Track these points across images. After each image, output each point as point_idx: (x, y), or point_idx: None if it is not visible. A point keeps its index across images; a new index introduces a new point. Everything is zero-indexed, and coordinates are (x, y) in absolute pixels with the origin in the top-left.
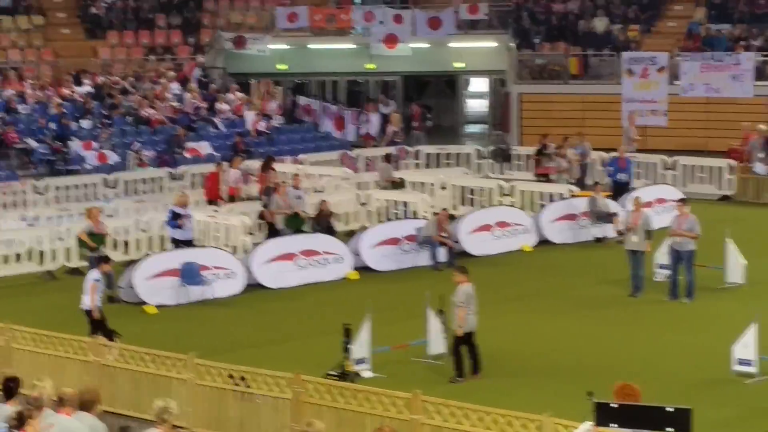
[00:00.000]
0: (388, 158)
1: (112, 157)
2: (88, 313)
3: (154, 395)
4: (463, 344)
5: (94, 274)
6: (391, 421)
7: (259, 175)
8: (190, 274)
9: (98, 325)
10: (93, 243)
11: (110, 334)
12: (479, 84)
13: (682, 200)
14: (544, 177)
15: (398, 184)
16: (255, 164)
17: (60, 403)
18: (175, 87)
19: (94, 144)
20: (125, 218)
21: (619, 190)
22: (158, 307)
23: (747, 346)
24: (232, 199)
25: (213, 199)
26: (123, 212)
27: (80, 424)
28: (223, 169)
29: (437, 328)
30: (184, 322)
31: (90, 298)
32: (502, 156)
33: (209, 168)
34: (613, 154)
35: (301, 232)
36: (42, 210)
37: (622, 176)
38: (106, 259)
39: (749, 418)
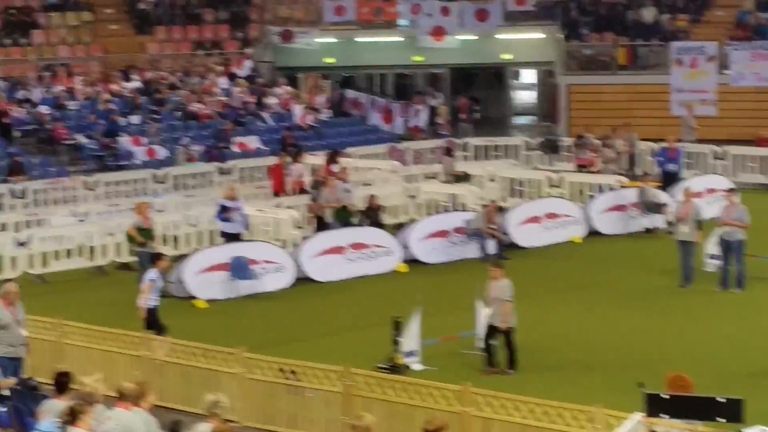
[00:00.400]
0: (449, 151)
1: (161, 153)
2: (146, 311)
3: (204, 389)
4: (501, 338)
5: (150, 274)
6: (441, 413)
7: (326, 169)
8: (239, 269)
9: (150, 325)
10: (141, 238)
11: (161, 333)
12: (527, 75)
13: (731, 190)
14: (583, 168)
15: (462, 177)
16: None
17: (120, 397)
18: (223, 82)
19: (143, 139)
20: (174, 213)
21: (669, 180)
22: (208, 301)
23: None
24: (299, 192)
25: (278, 192)
26: (172, 207)
27: (137, 418)
28: (287, 163)
29: (487, 320)
30: (234, 316)
31: (142, 295)
32: (551, 147)
33: (258, 161)
34: (663, 144)
35: (350, 225)
36: (92, 206)
37: (671, 166)
38: (160, 256)
39: None
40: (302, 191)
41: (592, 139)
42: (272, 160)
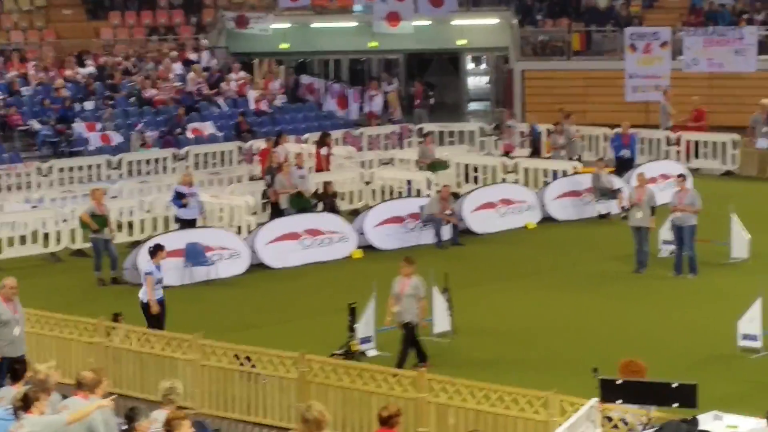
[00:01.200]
0: (426, 137)
1: (116, 138)
2: (144, 306)
3: (159, 376)
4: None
5: (147, 266)
6: (396, 399)
7: (317, 153)
8: (194, 255)
9: (155, 319)
10: (95, 224)
11: (162, 328)
12: (482, 61)
13: (681, 175)
14: (506, 154)
15: (440, 164)
16: (258, 143)
17: (79, 386)
18: (178, 67)
19: (98, 125)
20: (129, 199)
21: (623, 166)
22: (163, 287)
23: (752, 320)
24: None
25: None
26: (127, 193)
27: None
28: (272, 146)
29: (442, 306)
30: (189, 302)
31: (147, 291)
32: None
33: (213, 147)
34: (617, 130)
35: (305, 211)
36: (46, 192)
37: (625, 152)
38: (160, 247)
39: (754, 393)
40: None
41: (514, 124)
42: (228, 146)
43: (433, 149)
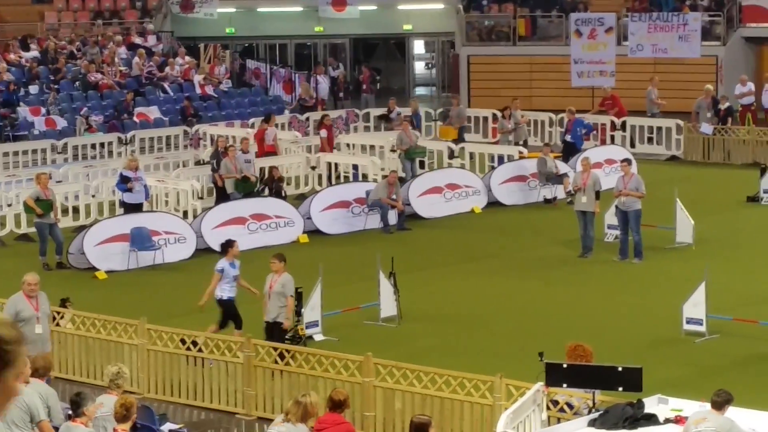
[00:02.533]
0: (412, 123)
1: (61, 123)
2: (220, 302)
3: (105, 361)
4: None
5: (219, 264)
6: (343, 384)
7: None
8: (140, 240)
9: (228, 316)
10: (39, 209)
11: (240, 323)
12: (428, 46)
13: (626, 160)
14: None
15: (417, 151)
16: (205, 128)
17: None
18: (123, 51)
19: (42, 109)
20: (74, 184)
21: (568, 151)
22: (108, 272)
23: (696, 305)
24: (270, 155)
25: (261, 156)
26: (72, 177)
27: (30, 390)
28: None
29: (388, 290)
30: (135, 287)
31: (217, 288)
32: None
33: (158, 132)
34: (561, 115)
35: (251, 196)
36: None
37: (569, 137)
38: (231, 243)
39: (699, 376)
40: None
41: (397, 112)
42: (174, 131)
43: (410, 134)
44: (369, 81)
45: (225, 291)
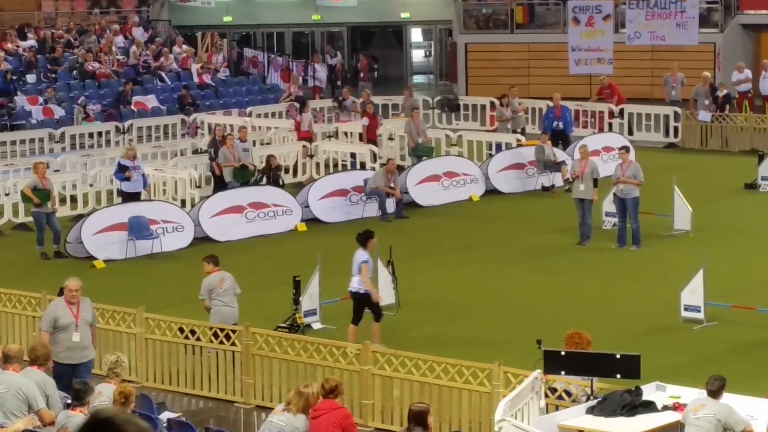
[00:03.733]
0: (414, 113)
1: (58, 112)
2: (355, 294)
3: (103, 350)
4: None
5: (362, 255)
6: (341, 372)
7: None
8: (138, 228)
9: (363, 308)
10: (37, 198)
11: (379, 314)
12: (426, 34)
13: (624, 148)
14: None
15: (424, 150)
16: (202, 116)
17: (6, 359)
18: (120, 40)
19: (40, 99)
20: (72, 173)
21: (557, 138)
22: (106, 261)
23: (694, 292)
24: (307, 141)
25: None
26: (70, 167)
27: (27, 380)
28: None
29: (386, 279)
30: (133, 276)
31: (362, 280)
32: (449, 106)
33: (156, 121)
34: (549, 103)
35: (249, 184)
36: None
37: (558, 124)
38: (371, 234)
39: (696, 363)
40: (310, 141)
41: (353, 100)
42: (172, 119)
43: (420, 125)
44: (366, 69)
45: (362, 284)
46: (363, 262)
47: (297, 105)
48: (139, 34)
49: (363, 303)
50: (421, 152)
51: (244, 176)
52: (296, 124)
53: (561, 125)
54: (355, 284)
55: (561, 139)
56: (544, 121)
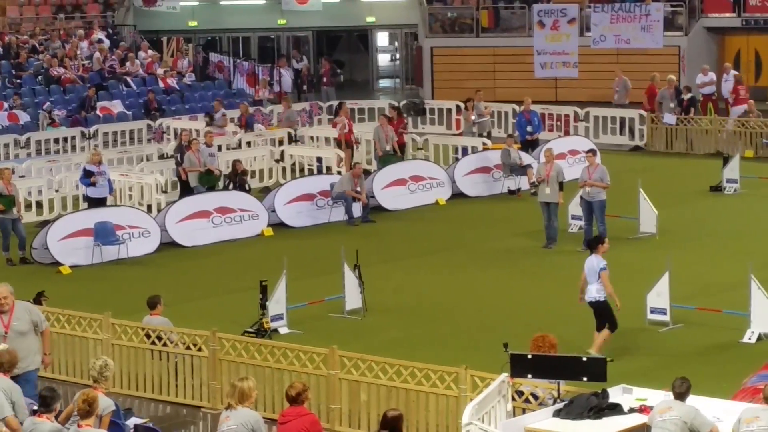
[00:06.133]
0: (389, 120)
1: (23, 117)
2: (594, 303)
3: (70, 356)
4: None
5: (600, 261)
6: (308, 377)
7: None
8: (104, 234)
9: (608, 315)
10: (2, 204)
11: (615, 324)
12: (392, 38)
13: (591, 151)
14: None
15: (389, 158)
16: (168, 121)
17: None
18: (85, 46)
19: (5, 104)
20: (37, 178)
21: (527, 142)
22: (72, 267)
23: (660, 295)
24: (343, 145)
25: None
26: (35, 172)
27: None
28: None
29: (353, 283)
30: (99, 282)
31: (605, 286)
32: (415, 110)
33: (122, 126)
34: (516, 107)
35: (215, 189)
36: None
37: (528, 128)
38: (602, 240)
39: (662, 366)
40: (347, 144)
41: (223, 113)
42: (138, 124)
43: (389, 132)
44: (330, 74)
45: (601, 292)
46: (602, 269)
47: (262, 109)
48: (104, 39)
49: (602, 311)
50: (387, 162)
51: (210, 181)
52: (334, 127)
53: (530, 128)
54: (594, 293)
55: (531, 144)
56: (517, 127)
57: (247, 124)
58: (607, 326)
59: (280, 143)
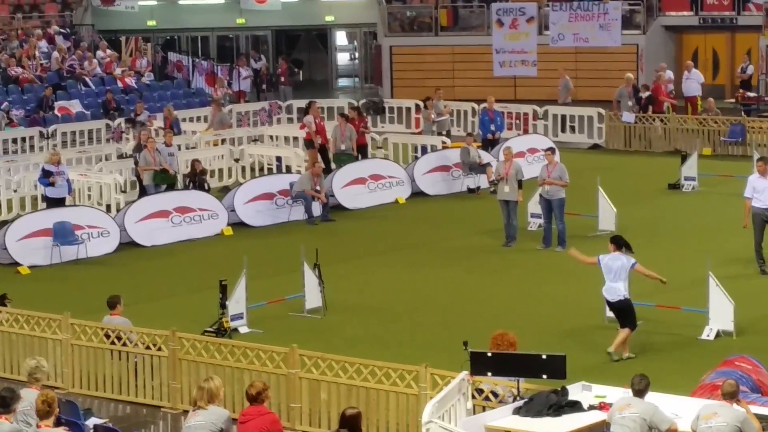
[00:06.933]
0: (349, 120)
1: None
2: (625, 302)
3: (29, 356)
4: None
5: (630, 260)
6: (268, 376)
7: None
8: (63, 234)
9: (632, 314)
10: None
11: (635, 324)
12: (351, 37)
13: (550, 149)
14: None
15: (343, 158)
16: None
17: None
18: (44, 45)
19: None
20: None
21: (488, 140)
22: (31, 267)
23: None
24: (310, 144)
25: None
26: None
27: None
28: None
29: (313, 282)
30: (58, 282)
31: (649, 273)
32: (375, 109)
33: (80, 126)
34: (483, 105)
35: (174, 188)
36: None
37: (491, 127)
38: (624, 243)
39: (621, 363)
40: (314, 144)
41: (147, 115)
42: (96, 124)
43: (346, 131)
44: (287, 73)
45: (625, 290)
46: (634, 265)
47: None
48: (61, 39)
49: (627, 310)
50: (341, 161)
51: (164, 180)
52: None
53: (493, 127)
54: (622, 291)
55: (492, 143)
56: (480, 125)
57: (172, 128)
58: (628, 326)
59: (239, 143)
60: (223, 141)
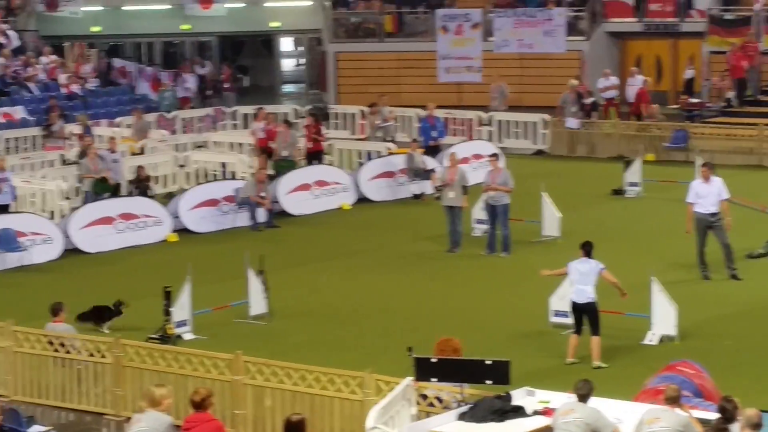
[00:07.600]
0: (289, 124)
1: None
2: (593, 305)
3: None
4: None
5: (599, 264)
6: (213, 382)
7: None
8: (6, 241)
9: (597, 317)
10: None
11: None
12: (296, 43)
13: (494, 155)
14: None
15: (284, 164)
16: (71, 127)
17: None
18: None
19: None
20: None
21: (430, 147)
22: None
23: (563, 298)
24: (261, 151)
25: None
26: None
27: None
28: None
29: (258, 288)
30: (1, 289)
31: (614, 281)
32: (320, 115)
33: (24, 132)
34: (421, 111)
35: (114, 195)
36: None
37: (432, 133)
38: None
39: (565, 368)
40: (263, 150)
41: (60, 125)
42: (39, 131)
43: (289, 138)
44: (230, 79)
45: (594, 293)
46: (602, 269)
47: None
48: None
49: (594, 312)
50: (281, 168)
51: (104, 189)
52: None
53: (435, 134)
54: (590, 294)
55: (433, 150)
56: (421, 132)
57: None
58: (595, 332)
59: (184, 149)
60: (142, 150)
